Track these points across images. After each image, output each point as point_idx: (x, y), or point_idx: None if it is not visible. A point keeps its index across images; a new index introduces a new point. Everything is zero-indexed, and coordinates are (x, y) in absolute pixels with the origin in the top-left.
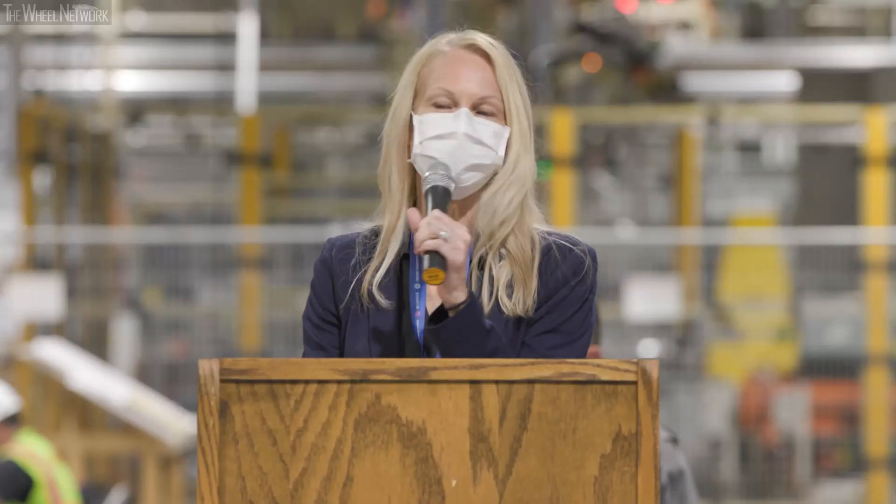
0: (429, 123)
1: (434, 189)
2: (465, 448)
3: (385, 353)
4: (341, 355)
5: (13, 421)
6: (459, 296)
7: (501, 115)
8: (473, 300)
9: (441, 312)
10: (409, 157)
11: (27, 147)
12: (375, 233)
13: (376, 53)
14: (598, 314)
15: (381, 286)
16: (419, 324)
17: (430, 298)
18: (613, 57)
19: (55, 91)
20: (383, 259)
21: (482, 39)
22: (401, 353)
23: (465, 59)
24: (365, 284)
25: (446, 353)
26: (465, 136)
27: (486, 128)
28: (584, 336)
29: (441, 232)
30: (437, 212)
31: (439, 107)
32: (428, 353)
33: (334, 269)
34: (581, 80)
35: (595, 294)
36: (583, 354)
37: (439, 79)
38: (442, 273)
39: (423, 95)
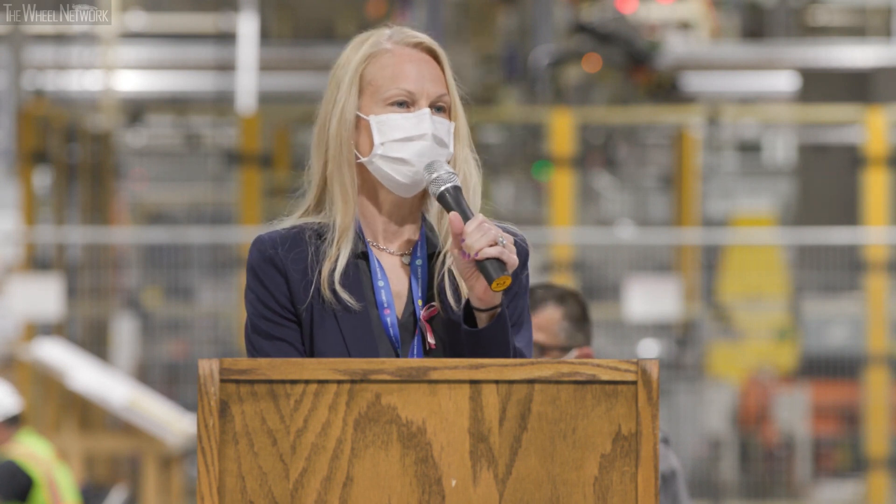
0: (390, 125)
1: (455, 189)
2: (465, 448)
3: (360, 353)
4: (311, 355)
5: (14, 421)
6: (498, 297)
7: (448, 112)
8: (502, 303)
9: (468, 314)
10: (356, 158)
11: (27, 147)
12: (317, 231)
13: None
14: (589, 315)
15: (343, 283)
16: (390, 321)
17: (398, 297)
18: (613, 57)
19: (55, 91)
20: (337, 259)
21: (425, 37)
22: (375, 352)
23: (415, 58)
24: (324, 282)
25: (479, 355)
26: (433, 138)
27: (443, 126)
28: (529, 319)
29: (500, 238)
30: (481, 216)
31: (398, 106)
32: (404, 351)
33: (287, 267)
34: (581, 80)
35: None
36: (531, 337)
37: (395, 78)
38: (509, 278)
39: (375, 95)
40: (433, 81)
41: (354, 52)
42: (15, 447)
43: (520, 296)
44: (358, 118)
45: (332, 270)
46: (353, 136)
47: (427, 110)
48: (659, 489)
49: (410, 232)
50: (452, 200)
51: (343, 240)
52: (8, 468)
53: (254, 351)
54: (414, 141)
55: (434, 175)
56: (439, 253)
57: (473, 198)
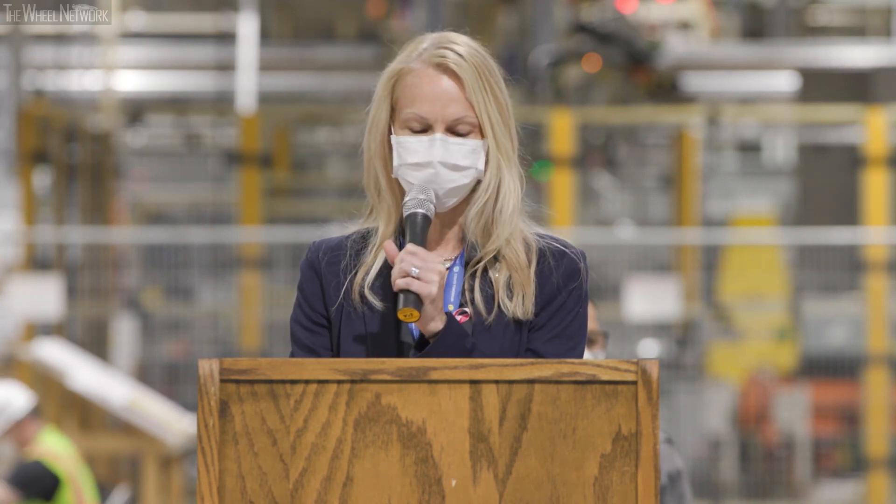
0: (406, 148)
1: (412, 217)
2: (465, 448)
3: (381, 354)
4: (336, 356)
5: (34, 417)
6: (437, 325)
7: (478, 130)
8: (450, 326)
9: (424, 339)
10: (392, 171)
11: (27, 147)
12: (363, 236)
13: (376, 53)
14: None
15: (374, 288)
16: (413, 325)
17: None
18: (613, 57)
19: (55, 91)
20: (374, 262)
21: (452, 55)
22: (398, 354)
23: (433, 80)
24: (356, 286)
25: None
26: (441, 165)
27: (462, 148)
28: (583, 340)
29: (412, 269)
30: (410, 246)
31: (413, 131)
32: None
33: (323, 271)
34: (581, 80)
35: (588, 297)
36: (581, 357)
37: (412, 102)
38: (416, 312)
39: (399, 115)
40: (451, 104)
41: (394, 64)
42: (38, 447)
43: (566, 310)
44: (388, 134)
45: (366, 276)
46: (386, 149)
47: (438, 136)
48: (665, 489)
49: (456, 240)
50: (409, 231)
51: (381, 247)
52: (35, 469)
53: (290, 355)
54: (422, 168)
55: (406, 199)
56: (479, 261)
57: (501, 213)
